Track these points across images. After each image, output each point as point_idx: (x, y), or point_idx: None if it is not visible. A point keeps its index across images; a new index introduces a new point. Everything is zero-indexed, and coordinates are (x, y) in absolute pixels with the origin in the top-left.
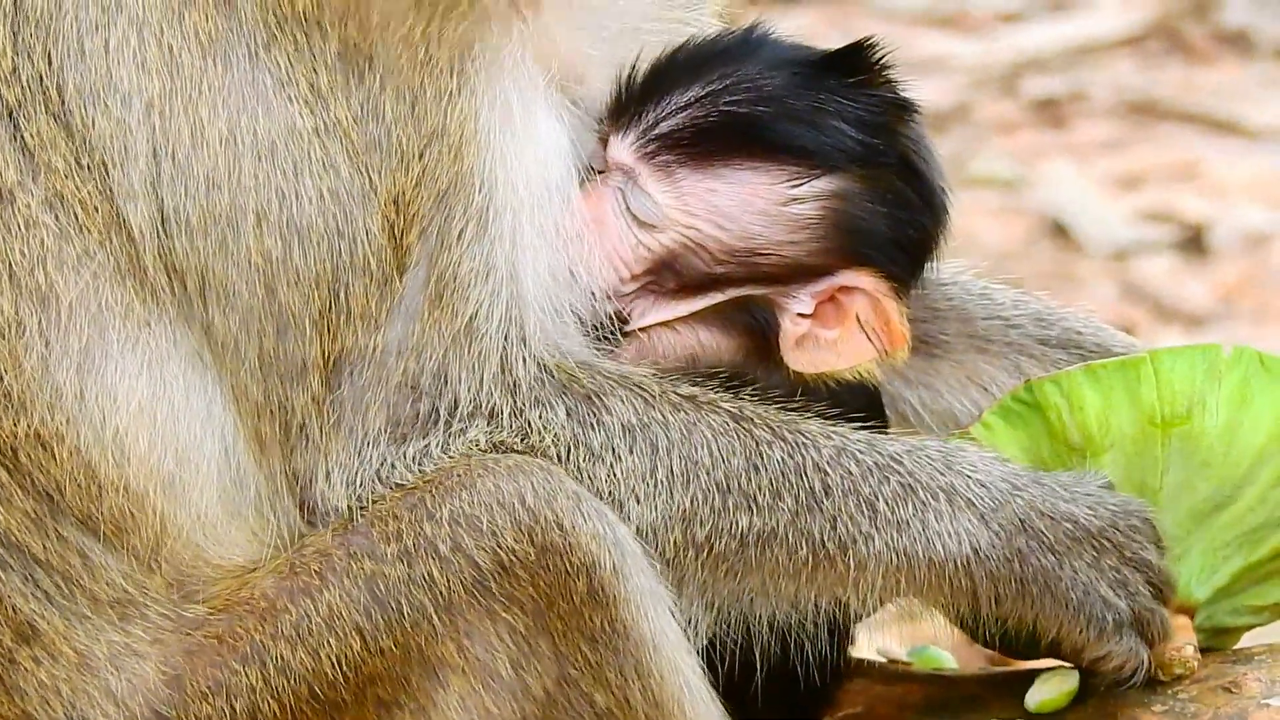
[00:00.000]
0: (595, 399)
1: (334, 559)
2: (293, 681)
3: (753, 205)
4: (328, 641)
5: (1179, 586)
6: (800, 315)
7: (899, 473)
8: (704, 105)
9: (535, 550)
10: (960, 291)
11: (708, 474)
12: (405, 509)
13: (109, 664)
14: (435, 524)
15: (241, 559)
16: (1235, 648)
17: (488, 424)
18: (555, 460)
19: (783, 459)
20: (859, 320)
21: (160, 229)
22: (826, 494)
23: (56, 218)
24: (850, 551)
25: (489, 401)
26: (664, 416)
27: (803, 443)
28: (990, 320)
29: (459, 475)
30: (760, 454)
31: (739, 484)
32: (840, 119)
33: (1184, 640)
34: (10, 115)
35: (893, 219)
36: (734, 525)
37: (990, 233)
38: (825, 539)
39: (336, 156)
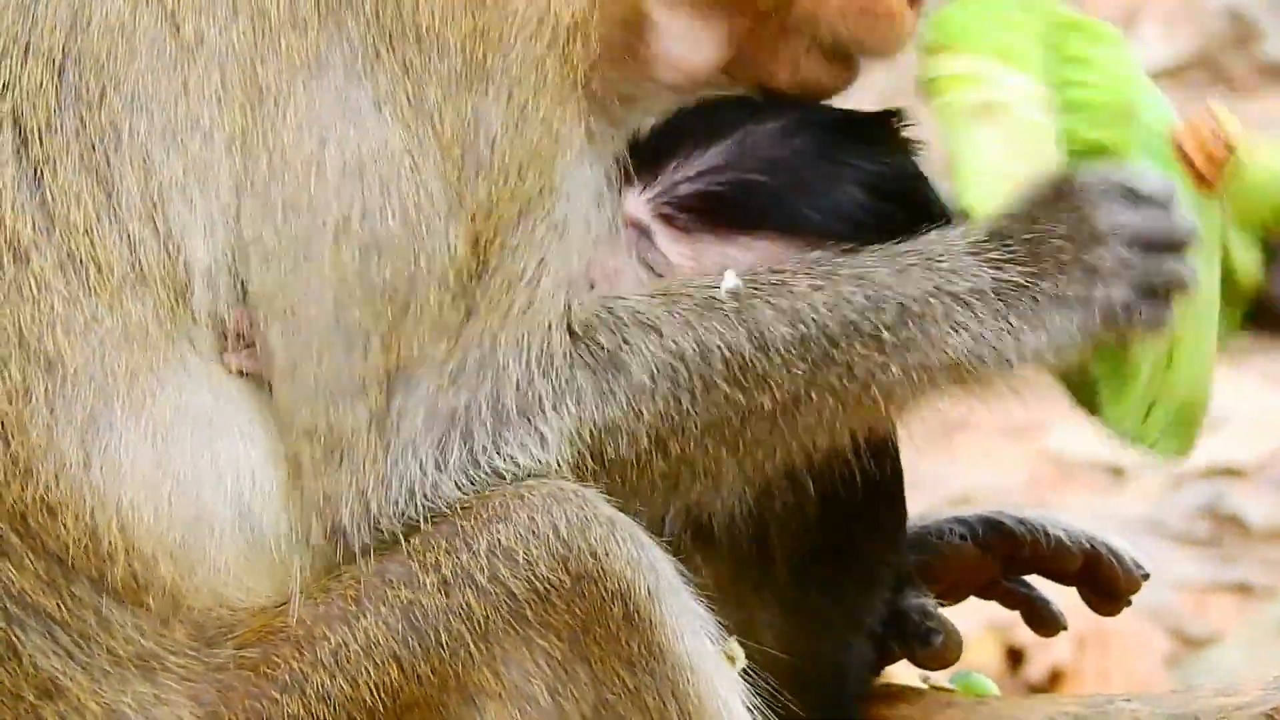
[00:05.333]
0: (614, 360)
1: (371, 586)
2: (333, 709)
3: None
4: (366, 669)
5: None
6: None
7: (889, 298)
8: (723, 171)
9: (570, 578)
10: None
11: (723, 379)
12: (443, 538)
13: (139, 715)
14: (473, 555)
15: (265, 599)
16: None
17: (528, 422)
18: (584, 465)
19: (787, 333)
20: None
21: (234, 263)
22: (834, 345)
23: (67, 281)
24: (873, 386)
25: (530, 388)
26: (677, 345)
27: (799, 309)
28: None
29: (495, 506)
30: (764, 335)
31: (755, 371)
32: (855, 185)
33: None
34: (37, 170)
35: None
36: (760, 408)
37: None
38: (847, 384)
39: (428, 172)
